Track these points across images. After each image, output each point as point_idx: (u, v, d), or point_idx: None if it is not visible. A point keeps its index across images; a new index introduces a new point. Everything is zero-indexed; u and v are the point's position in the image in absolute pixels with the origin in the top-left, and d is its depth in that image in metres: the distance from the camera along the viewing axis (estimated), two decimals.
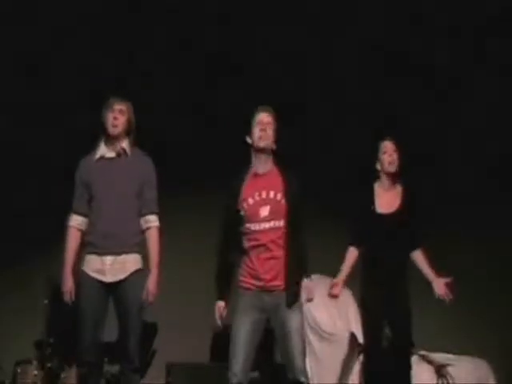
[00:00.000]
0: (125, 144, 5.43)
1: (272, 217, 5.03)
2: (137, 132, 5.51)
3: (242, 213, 5.07)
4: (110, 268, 5.30)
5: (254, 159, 5.18)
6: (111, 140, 5.42)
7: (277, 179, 5.12)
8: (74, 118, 7.46)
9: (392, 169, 5.83)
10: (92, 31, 7.73)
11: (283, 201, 5.06)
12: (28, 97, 7.61)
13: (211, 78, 7.87)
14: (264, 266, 5.02)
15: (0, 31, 7.54)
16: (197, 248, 7.72)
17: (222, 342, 7.26)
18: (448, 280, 5.76)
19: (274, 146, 5.18)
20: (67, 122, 7.53)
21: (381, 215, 5.81)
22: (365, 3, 7.89)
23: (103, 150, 5.44)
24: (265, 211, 5.04)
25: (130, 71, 7.76)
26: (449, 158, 7.88)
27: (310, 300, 5.17)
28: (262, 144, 5.12)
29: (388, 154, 5.84)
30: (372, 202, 5.84)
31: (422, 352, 6.70)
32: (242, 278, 5.10)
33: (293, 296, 5.02)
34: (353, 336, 6.77)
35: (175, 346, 7.35)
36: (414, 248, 5.83)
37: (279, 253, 5.03)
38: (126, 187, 5.35)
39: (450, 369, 6.63)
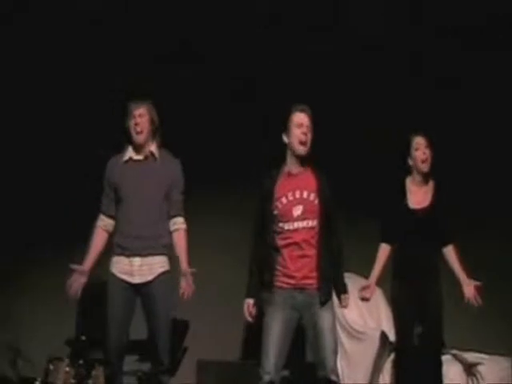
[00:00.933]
0: (153, 147, 5.44)
1: (305, 216, 5.03)
2: (163, 130, 5.52)
3: (276, 212, 5.07)
4: (138, 269, 5.32)
5: (288, 159, 5.17)
6: (138, 146, 5.43)
7: (310, 179, 5.12)
8: (93, 116, 7.46)
9: (425, 168, 5.79)
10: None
11: (316, 201, 5.06)
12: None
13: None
14: (296, 264, 5.03)
15: None
16: (227, 246, 7.73)
17: (253, 339, 7.33)
18: (478, 284, 5.71)
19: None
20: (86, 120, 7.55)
21: (413, 210, 5.76)
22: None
23: (131, 153, 5.45)
24: (298, 211, 5.04)
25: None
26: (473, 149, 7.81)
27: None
28: (302, 152, 5.10)
29: (421, 152, 5.78)
30: (404, 197, 5.80)
31: (454, 351, 6.65)
32: (274, 278, 5.08)
33: (325, 295, 5.02)
34: (383, 335, 6.75)
35: (206, 343, 7.37)
36: (445, 245, 5.77)
37: (311, 252, 5.03)
38: (154, 190, 5.37)
39: (480, 368, 6.58)
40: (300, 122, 5.11)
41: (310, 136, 5.11)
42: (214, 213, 7.87)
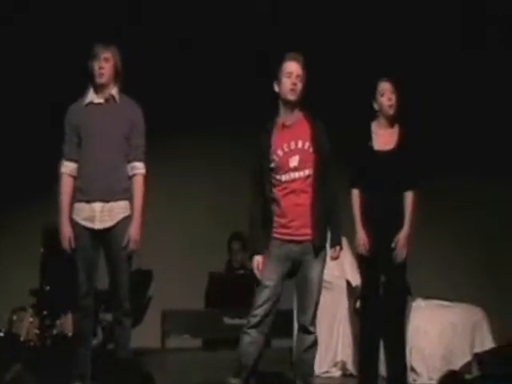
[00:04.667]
0: (114, 91, 5.41)
1: (301, 166, 5.02)
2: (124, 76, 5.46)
3: (273, 165, 5.05)
4: (100, 215, 5.29)
5: (281, 109, 5.12)
6: (99, 87, 5.40)
7: (304, 128, 5.09)
8: (62, 62, 7.37)
9: (391, 111, 5.75)
10: None
11: (311, 150, 5.04)
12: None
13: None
14: (292, 214, 5.01)
15: None
16: (193, 194, 7.72)
17: (217, 288, 7.37)
18: (405, 236, 5.70)
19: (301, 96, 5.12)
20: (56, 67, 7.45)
21: (378, 152, 5.73)
22: None
23: (92, 96, 5.42)
24: (294, 162, 5.02)
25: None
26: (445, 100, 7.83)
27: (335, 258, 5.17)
28: (292, 97, 5.06)
29: (387, 97, 5.76)
30: (369, 139, 5.78)
31: (419, 299, 6.68)
32: (272, 229, 5.06)
33: (320, 240, 5.02)
34: (348, 283, 6.77)
35: (171, 293, 7.38)
36: (405, 190, 5.74)
37: (307, 201, 5.01)
38: (113, 131, 5.33)
39: (451, 316, 6.61)
40: (290, 71, 5.06)
41: (300, 85, 5.07)
42: (182, 159, 7.85)
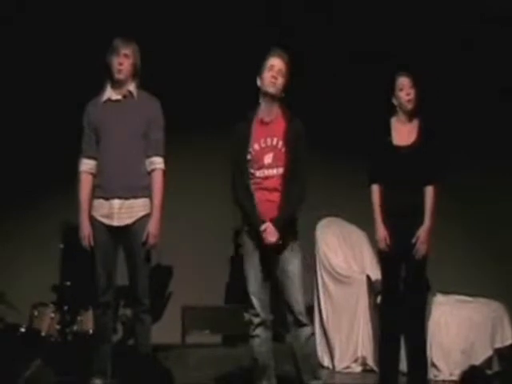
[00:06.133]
0: (131, 87, 5.40)
1: (275, 164, 5.05)
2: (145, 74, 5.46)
3: (249, 157, 5.08)
4: (118, 212, 5.30)
5: (261, 104, 5.17)
6: (117, 84, 5.39)
7: (281, 126, 5.12)
8: (81, 60, 7.38)
9: (410, 106, 5.73)
10: None
11: (284, 149, 5.07)
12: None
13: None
14: (263, 208, 5.03)
15: None
16: (213, 192, 7.71)
17: (236, 284, 7.36)
18: (426, 231, 5.67)
19: (283, 94, 5.16)
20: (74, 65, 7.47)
21: (397, 147, 5.70)
22: None
23: (109, 93, 5.41)
24: (268, 159, 5.07)
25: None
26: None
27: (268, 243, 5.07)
28: (271, 90, 5.11)
29: (405, 92, 5.73)
30: (389, 134, 5.75)
31: (438, 294, 6.66)
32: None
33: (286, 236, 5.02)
34: (368, 278, 6.75)
35: (191, 288, 7.39)
36: (425, 185, 5.71)
37: (277, 198, 5.03)
38: (132, 128, 5.32)
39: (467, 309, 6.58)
40: (272, 64, 5.12)
41: (281, 80, 5.11)
42: (207, 159, 7.84)
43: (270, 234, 4.99)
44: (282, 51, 5.18)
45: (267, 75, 5.11)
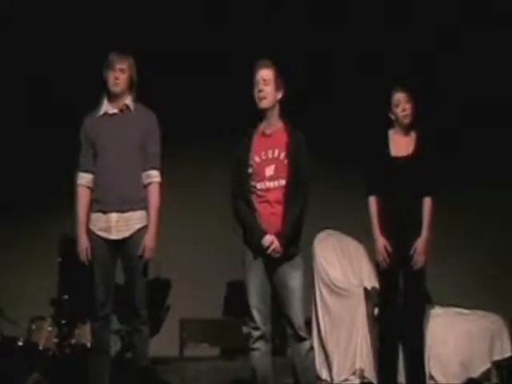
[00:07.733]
0: (128, 100, 5.41)
1: (276, 176, 5.04)
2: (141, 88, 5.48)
3: (250, 171, 5.08)
4: (115, 225, 5.30)
5: (262, 117, 5.17)
6: (114, 96, 5.40)
7: (283, 138, 5.11)
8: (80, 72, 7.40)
9: (406, 121, 5.77)
10: None
11: (286, 161, 5.05)
12: None
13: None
14: (267, 222, 5.01)
15: None
16: (211, 204, 7.71)
17: (235, 297, 7.37)
18: (424, 242, 5.68)
19: (277, 104, 5.14)
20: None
21: (395, 158, 5.74)
22: None
23: (106, 107, 5.43)
24: (270, 171, 5.06)
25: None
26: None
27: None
28: (261, 105, 5.12)
29: (401, 108, 5.77)
30: (386, 146, 5.78)
31: (436, 307, 6.66)
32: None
33: (291, 248, 5.00)
34: (366, 291, 6.75)
35: (189, 301, 7.39)
36: (424, 195, 5.73)
37: (280, 210, 5.01)
38: (128, 142, 5.33)
39: (465, 321, 6.59)
40: (256, 80, 5.13)
41: (269, 90, 5.10)
42: (203, 172, 7.84)
43: (275, 249, 4.98)
44: (264, 60, 5.17)
45: (255, 92, 5.12)
